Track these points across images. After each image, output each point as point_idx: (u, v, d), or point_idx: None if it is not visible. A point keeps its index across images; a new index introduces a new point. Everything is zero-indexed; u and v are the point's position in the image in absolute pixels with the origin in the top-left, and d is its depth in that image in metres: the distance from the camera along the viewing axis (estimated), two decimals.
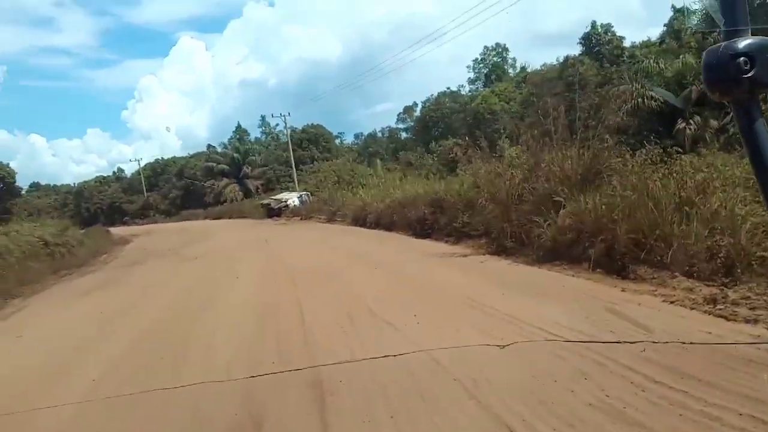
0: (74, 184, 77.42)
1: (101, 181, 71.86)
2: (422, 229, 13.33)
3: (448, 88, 51.45)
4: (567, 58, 35.73)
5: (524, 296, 6.20)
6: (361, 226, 19.04)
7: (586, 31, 35.79)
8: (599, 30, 35.42)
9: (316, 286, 8.32)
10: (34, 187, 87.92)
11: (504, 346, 4.41)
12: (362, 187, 33.50)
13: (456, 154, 29.70)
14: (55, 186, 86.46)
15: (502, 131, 38.69)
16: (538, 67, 43.23)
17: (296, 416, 3.62)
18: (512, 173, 10.35)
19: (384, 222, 16.62)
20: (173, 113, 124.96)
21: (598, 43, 34.92)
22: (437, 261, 9.62)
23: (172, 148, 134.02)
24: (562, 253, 7.83)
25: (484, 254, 9.68)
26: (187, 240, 22.88)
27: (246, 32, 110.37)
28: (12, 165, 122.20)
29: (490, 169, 11.31)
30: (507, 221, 9.51)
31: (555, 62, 39.39)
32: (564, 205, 8.40)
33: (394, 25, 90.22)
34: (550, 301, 5.74)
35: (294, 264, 10.84)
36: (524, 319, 5.06)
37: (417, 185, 20.36)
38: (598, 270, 6.85)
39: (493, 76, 50.29)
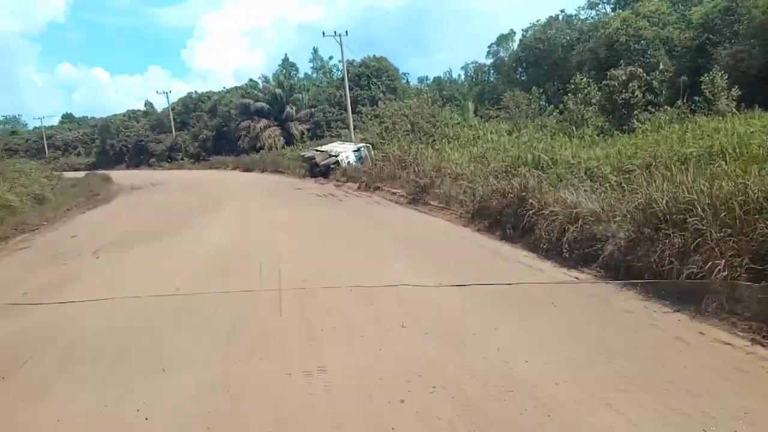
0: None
1: (130, 115, 63.01)
2: None
3: (562, 11, 38.01)
4: None
5: None
6: (507, 239, 8.05)
7: None
8: None
9: None
10: (67, 118, 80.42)
11: None
12: (448, 142, 22.37)
13: (633, 92, 17.87)
14: (92, 118, 78.17)
15: (661, 65, 26.20)
16: None
17: None
18: None
19: (630, 258, 5.52)
20: (231, 54, 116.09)
21: None
22: None
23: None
24: None
25: None
26: (165, 221, 13.78)
27: None
28: (74, 97, 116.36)
29: None
30: None
31: None
32: None
33: None
34: None
35: None
36: None
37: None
38: None
39: None
